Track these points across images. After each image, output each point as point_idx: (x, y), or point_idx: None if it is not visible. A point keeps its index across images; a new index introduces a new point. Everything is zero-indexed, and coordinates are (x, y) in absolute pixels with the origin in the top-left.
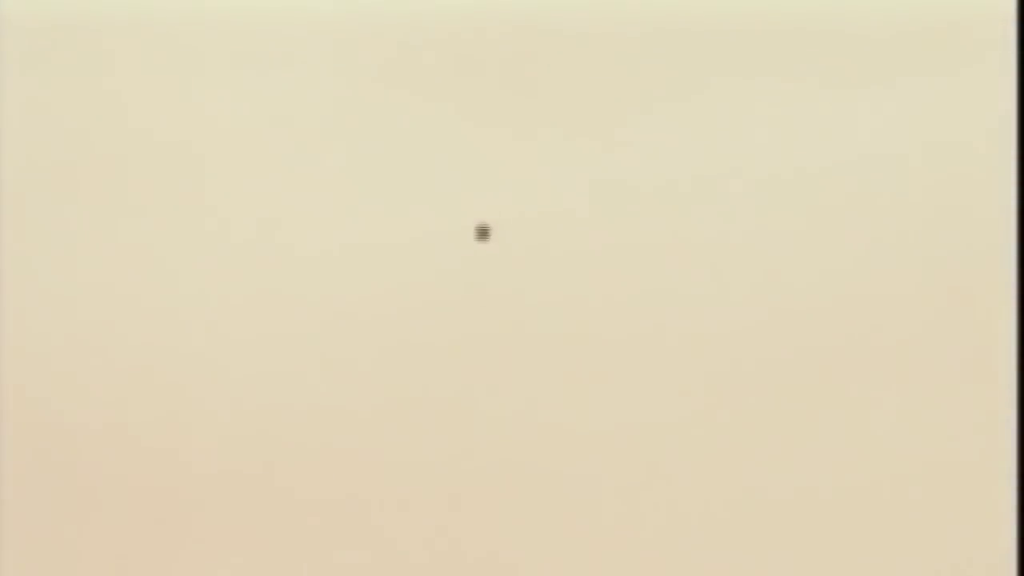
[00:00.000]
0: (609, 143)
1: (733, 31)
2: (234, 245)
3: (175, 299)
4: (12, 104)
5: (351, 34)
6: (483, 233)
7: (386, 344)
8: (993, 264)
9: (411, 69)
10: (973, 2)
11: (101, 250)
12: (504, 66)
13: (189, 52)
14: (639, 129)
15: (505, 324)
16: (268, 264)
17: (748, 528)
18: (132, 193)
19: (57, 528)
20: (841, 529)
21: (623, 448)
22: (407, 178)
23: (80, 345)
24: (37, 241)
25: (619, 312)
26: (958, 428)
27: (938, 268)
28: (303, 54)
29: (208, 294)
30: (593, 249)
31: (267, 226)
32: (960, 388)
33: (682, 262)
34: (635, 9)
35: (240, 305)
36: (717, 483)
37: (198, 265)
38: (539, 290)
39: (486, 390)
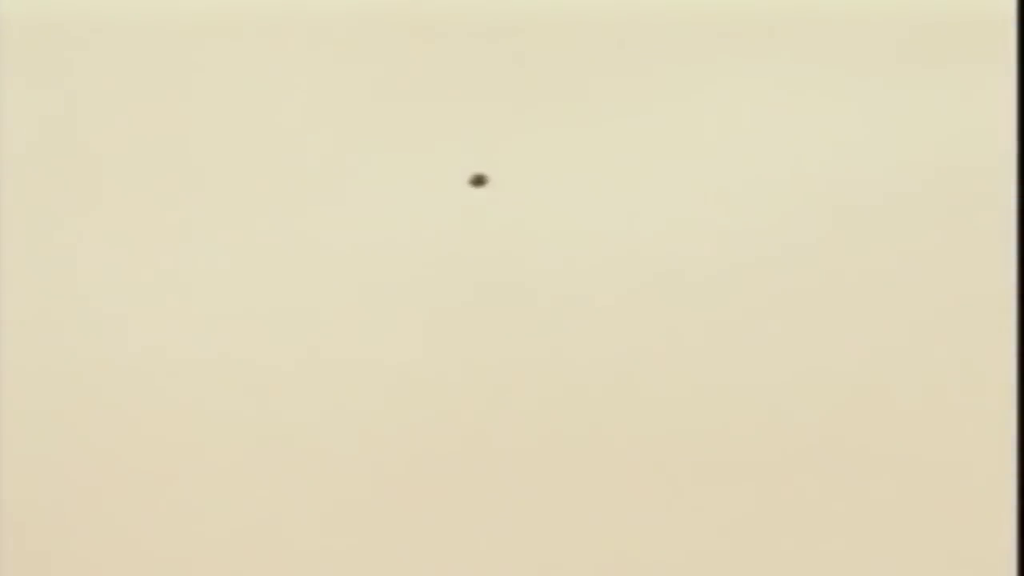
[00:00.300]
0: (608, 146)
1: (729, 28)
2: (232, 219)
3: (172, 289)
4: (11, 103)
5: (347, 8)
6: (479, 181)
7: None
8: (994, 265)
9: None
10: (973, 2)
11: (99, 248)
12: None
13: (189, 51)
14: (635, 127)
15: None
16: (271, 229)
17: (746, 513)
18: (131, 191)
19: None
20: (840, 528)
21: (620, 415)
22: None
23: (66, 343)
24: (35, 240)
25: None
26: (958, 431)
27: (937, 268)
28: (301, 32)
29: (211, 273)
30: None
31: (268, 195)
32: (960, 389)
33: (679, 246)
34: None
35: (241, 280)
36: (721, 437)
37: (198, 244)
38: (536, 252)
39: (484, 339)
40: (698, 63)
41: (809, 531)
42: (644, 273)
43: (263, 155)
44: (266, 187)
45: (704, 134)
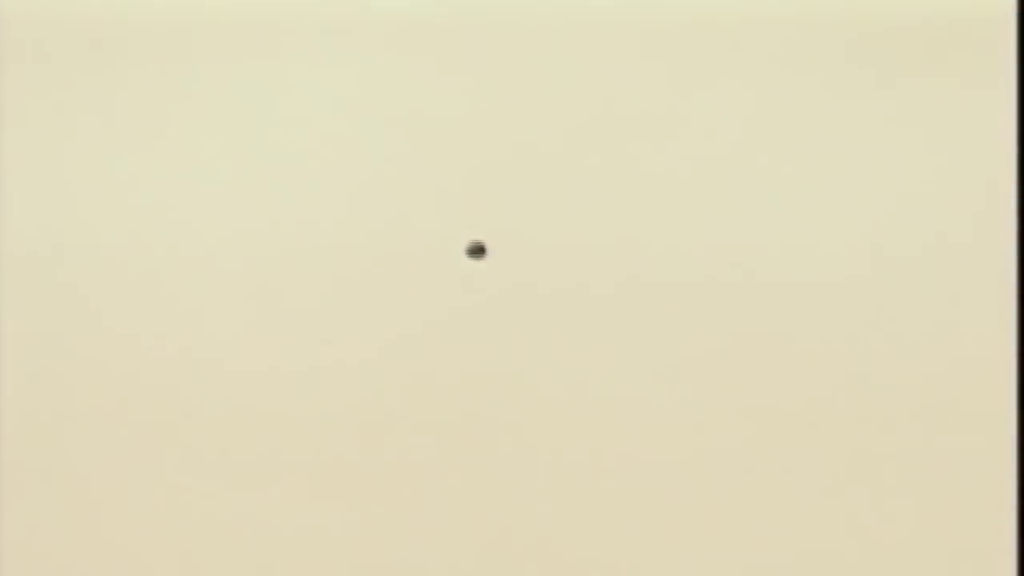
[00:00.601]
0: (603, 138)
1: (727, 31)
2: (221, 250)
3: (167, 315)
4: (12, 101)
5: (350, 36)
6: (478, 251)
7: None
8: (994, 266)
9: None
10: (973, 2)
11: (99, 254)
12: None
13: (191, 49)
14: (633, 125)
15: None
16: (255, 272)
17: (741, 522)
18: (130, 191)
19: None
20: (841, 529)
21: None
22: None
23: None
24: (35, 241)
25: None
26: (958, 435)
27: (937, 270)
28: (301, 57)
29: (199, 307)
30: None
31: (258, 230)
32: (959, 391)
33: (679, 279)
34: (629, 7)
35: (225, 316)
36: (709, 470)
37: (188, 267)
38: (534, 313)
39: (477, 411)
40: (694, 64)
41: (810, 535)
42: (640, 275)
43: (263, 156)
44: (266, 185)
45: (702, 134)
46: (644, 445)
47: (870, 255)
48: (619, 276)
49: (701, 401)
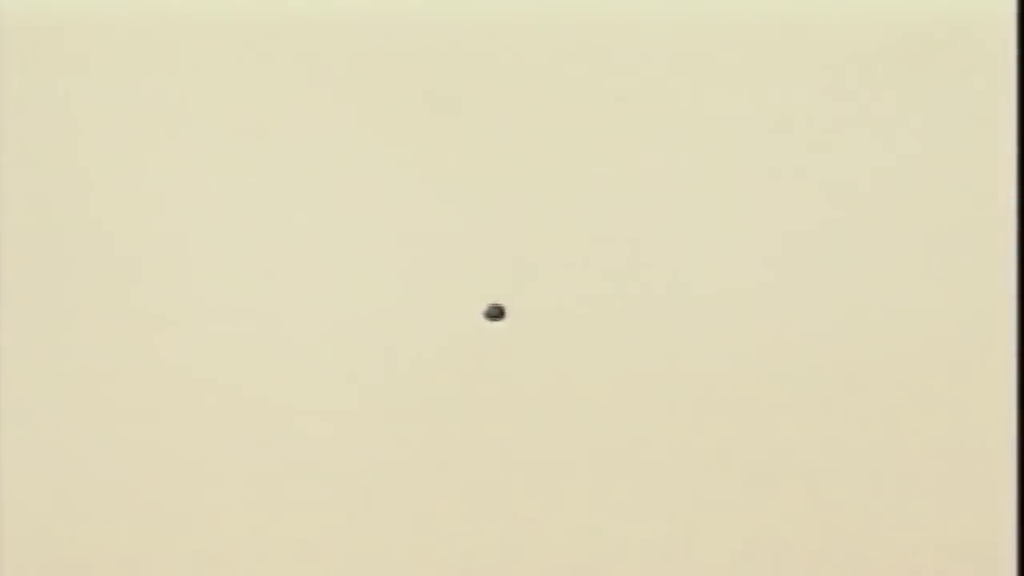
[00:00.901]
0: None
1: (725, 34)
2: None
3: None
4: (11, 104)
5: (357, 85)
6: (496, 314)
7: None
8: (994, 267)
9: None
10: (973, 2)
11: (99, 258)
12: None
13: (190, 52)
14: (631, 127)
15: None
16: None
17: (742, 523)
18: (129, 194)
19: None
20: (841, 529)
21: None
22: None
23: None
24: (36, 245)
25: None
26: (959, 436)
27: (937, 271)
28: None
29: (205, 339)
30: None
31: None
32: (959, 390)
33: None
34: (627, 8)
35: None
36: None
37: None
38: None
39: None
40: (691, 67)
41: (809, 535)
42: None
43: (260, 162)
44: (262, 208)
45: (698, 138)
46: (660, 475)
47: (869, 254)
48: (628, 288)
49: (716, 420)
